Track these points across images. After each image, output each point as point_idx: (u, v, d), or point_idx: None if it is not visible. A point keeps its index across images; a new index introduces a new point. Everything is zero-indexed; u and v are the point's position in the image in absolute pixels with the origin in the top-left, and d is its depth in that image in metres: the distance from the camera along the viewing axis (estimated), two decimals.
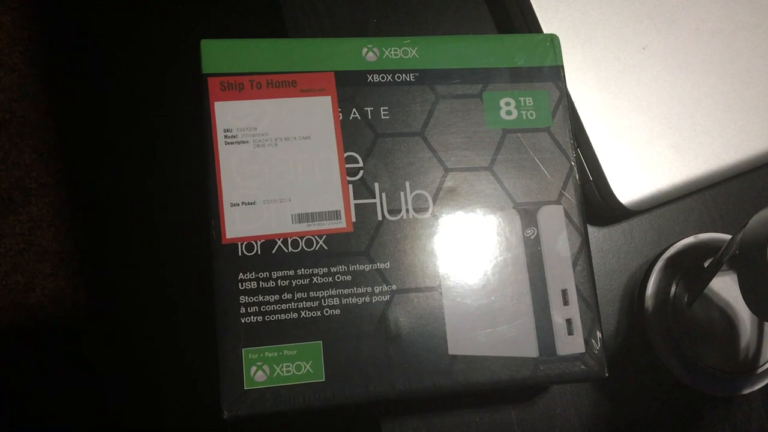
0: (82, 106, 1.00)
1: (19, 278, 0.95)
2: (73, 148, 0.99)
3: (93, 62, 1.02)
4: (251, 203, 0.31)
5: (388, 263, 0.32)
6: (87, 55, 1.02)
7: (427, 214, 0.32)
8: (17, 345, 0.94)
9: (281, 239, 0.31)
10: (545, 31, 0.38)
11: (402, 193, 0.32)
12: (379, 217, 0.32)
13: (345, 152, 0.32)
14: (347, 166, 0.32)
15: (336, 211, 0.32)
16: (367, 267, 0.31)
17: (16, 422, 0.92)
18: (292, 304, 0.30)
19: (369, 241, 0.32)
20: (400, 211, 0.32)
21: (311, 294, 0.31)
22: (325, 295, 0.31)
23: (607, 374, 0.32)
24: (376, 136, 0.33)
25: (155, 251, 0.97)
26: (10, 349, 0.94)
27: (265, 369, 0.30)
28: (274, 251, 0.31)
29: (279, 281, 0.31)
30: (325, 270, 0.31)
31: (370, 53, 0.34)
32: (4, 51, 1.00)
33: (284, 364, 0.30)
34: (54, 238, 0.97)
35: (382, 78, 0.33)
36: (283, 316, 0.30)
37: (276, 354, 0.30)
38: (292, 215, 0.31)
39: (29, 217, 0.97)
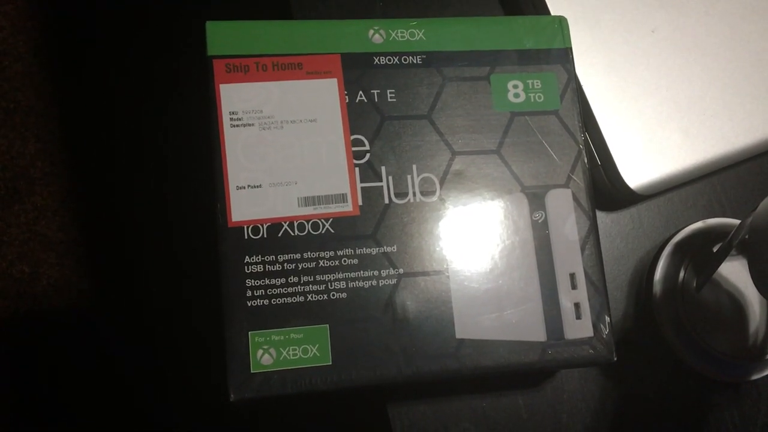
0: (86, 94, 1.00)
1: (24, 268, 0.95)
2: (77, 137, 0.99)
3: (97, 50, 1.01)
4: (257, 186, 0.31)
5: (395, 247, 0.31)
6: (91, 43, 1.01)
7: (434, 198, 0.32)
8: (23, 334, 0.94)
9: (287, 222, 0.31)
10: (553, 13, 0.38)
11: (409, 177, 0.32)
12: (386, 201, 0.32)
13: (351, 135, 0.32)
14: (354, 149, 0.32)
15: (342, 194, 0.31)
16: (374, 250, 0.31)
17: (22, 412, 0.92)
18: (299, 287, 0.30)
19: (376, 225, 0.31)
20: (407, 194, 0.32)
21: (318, 277, 0.30)
22: (332, 278, 0.31)
23: (615, 358, 0.32)
24: (382, 119, 0.32)
25: (161, 237, 0.97)
26: (15, 338, 0.94)
27: (272, 352, 0.30)
28: (280, 234, 0.31)
29: (285, 264, 0.30)
30: (332, 253, 0.31)
31: (376, 35, 0.33)
32: (8, 40, 1.00)
33: (291, 348, 0.30)
34: (59, 227, 0.97)
35: (389, 60, 0.33)
36: (289, 300, 0.30)
37: (282, 337, 0.30)
38: (298, 198, 0.31)
39: (34, 206, 0.97)
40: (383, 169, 0.32)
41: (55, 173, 0.98)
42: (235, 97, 0.32)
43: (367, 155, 0.32)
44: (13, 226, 0.96)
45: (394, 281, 0.31)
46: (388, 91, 0.33)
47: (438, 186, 0.32)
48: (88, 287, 0.96)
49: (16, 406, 0.93)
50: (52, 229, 0.97)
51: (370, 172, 0.32)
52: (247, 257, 0.30)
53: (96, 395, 0.93)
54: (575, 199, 0.33)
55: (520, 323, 0.31)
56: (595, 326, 0.32)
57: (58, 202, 0.97)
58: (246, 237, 0.30)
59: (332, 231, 0.31)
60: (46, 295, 0.95)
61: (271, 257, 0.30)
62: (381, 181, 0.32)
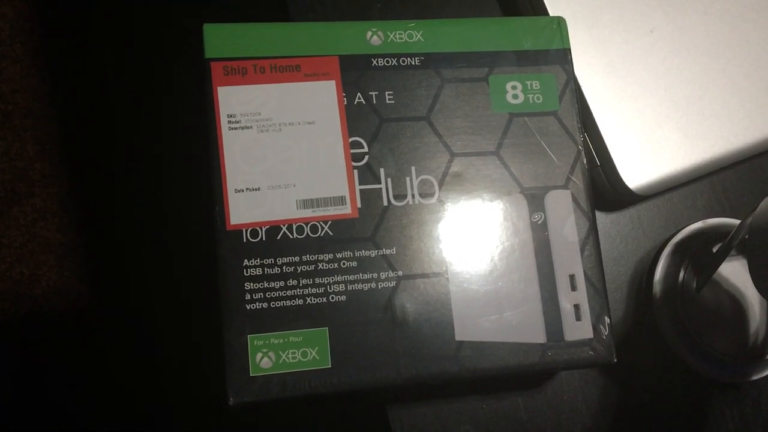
0: (84, 96, 1.00)
1: (24, 270, 0.95)
2: (76, 139, 0.99)
3: (96, 52, 1.01)
4: (255, 189, 0.31)
5: (394, 249, 0.31)
6: (89, 45, 1.01)
7: (433, 200, 0.32)
8: (22, 336, 0.94)
9: (286, 225, 0.31)
10: (551, 13, 0.38)
11: (408, 179, 0.32)
12: (385, 203, 0.32)
13: (350, 137, 0.32)
14: (352, 151, 0.32)
15: (341, 196, 0.31)
16: (373, 253, 0.31)
17: (21, 413, 0.92)
18: (298, 290, 0.30)
19: (375, 227, 0.31)
20: (405, 196, 0.32)
21: (317, 280, 0.30)
22: (331, 281, 0.31)
23: (615, 360, 0.32)
24: (381, 121, 0.32)
25: (161, 240, 0.97)
26: (15, 340, 0.94)
27: (271, 356, 0.29)
28: (279, 237, 0.31)
29: (284, 267, 0.30)
30: (331, 256, 0.31)
31: (374, 37, 0.33)
32: (6, 42, 1.00)
33: (290, 351, 0.30)
34: (58, 229, 0.96)
35: (387, 62, 0.33)
36: (288, 303, 0.30)
37: (282, 341, 0.30)
38: (296, 201, 0.31)
39: (33, 208, 0.97)
40: (382, 171, 0.32)
41: (54, 175, 0.98)
42: (233, 100, 0.31)
43: (366, 157, 0.32)
44: (12, 228, 0.96)
45: (393, 283, 0.31)
46: (387, 92, 0.33)
47: (437, 188, 0.32)
48: (88, 289, 0.96)
49: (15, 407, 0.93)
50: (51, 231, 0.97)
51: (368, 174, 0.32)
52: (245, 260, 0.30)
53: (95, 398, 0.93)
54: (574, 200, 0.33)
55: (519, 325, 0.31)
56: (594, 327, 0.32)
57: (57, 204, 0.97)
58: (245, 240, 0.30)
59: (331, 233, 0.31)
60: (45, 297, 0.95)
61: (270, 260, 0.30)
62: (380, 183, 0.32)
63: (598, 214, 0.39)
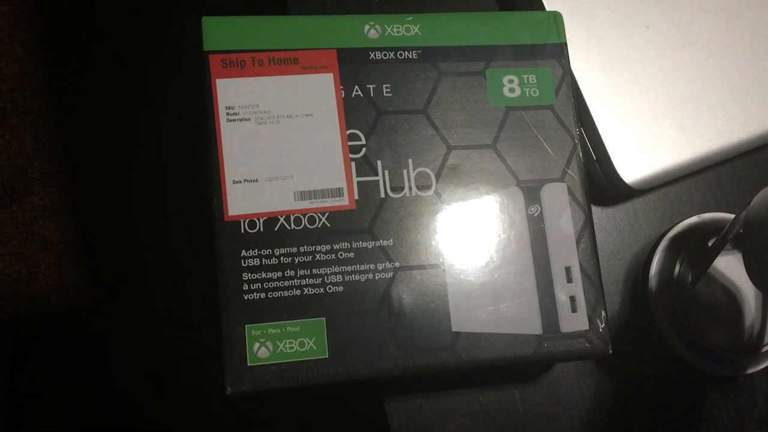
0: (83, 94, 1.00)
1: (22, 268, 0.95)
2: (75, 137, 0.99)
3: (94, 48, 1.01)
4: (253, 180, 0.31)
5: (391, 240, 0.31)
6: (88, 41, 1.01)
7: (430, 192, 0.32)
8: (21, 335, 0.94)
9: (284, 216, 0.31)
10: (548, 8, 0.38)
11: (405, 171, 0.32)
12: (382, 195, 0.32)
13: (347, 129, 0.32)
14: (350, 143, 0.32)
15: (338, 188, 0.32)
16: (370, 244, 0.31)
17: (20, 411, 0.92)
18: (295, 281, 0.30)
19: (372, 219, 0.31)
20: (402, 188, 0.32)
21: (314, 271, 0.31)
22: (328, 272, 0.31)
23: (611, 351, 0.32)
24: (378, 114, 0.33)
25: (159, 233, 0.97)
26: (13, 338, 0.94)
27: (268, 345, 0.30)
28: (276, 228, 0.31)
29: (282, 258, 0.30)
30: (328, 247, 0.31)
31: (372, 30, 0.33)
32: (5, 41, 1.00)
33: (287, 341, 0.30)
34: (57, 227, 0.97)
35: (385, 55, 0.33)
36: (286, 293, 0.30)
37: (279, 331, 0.30)
38: (294, 192, 0.31)
39: (32, 206, 0.97)
40: (379, 163, 0.32)
41: (53, 173, 0.98)
42: (231, 92, 0.32)
43: (363, 149, 0.32)
44: (11, 226, 0.96)
45: (390, 275, 0.31)
46: (384, 85, 0.33)
47: (434, 180, 0.32)
48: (86, 287, 0.96)
49: (14, 406, 0.93)
50: (49, 228, 0.97)
51: (366, 166, 0.32)
52: (243, 251, 0.30)
53: (94, 393, 0.93)
54: (570, 193, 0.33)
55: (515, 316, 0.32)
56: (590, 319, 0.32)
57: (56, 202, 0.97)
58: (242, 231, 0.31)
59: (328, 225, 0.31)
60: (44, 295, 0.95)
61: (268, 251, 0.30)
62: (377, 175, 0.32)
63: (595, 209, 0.39)
